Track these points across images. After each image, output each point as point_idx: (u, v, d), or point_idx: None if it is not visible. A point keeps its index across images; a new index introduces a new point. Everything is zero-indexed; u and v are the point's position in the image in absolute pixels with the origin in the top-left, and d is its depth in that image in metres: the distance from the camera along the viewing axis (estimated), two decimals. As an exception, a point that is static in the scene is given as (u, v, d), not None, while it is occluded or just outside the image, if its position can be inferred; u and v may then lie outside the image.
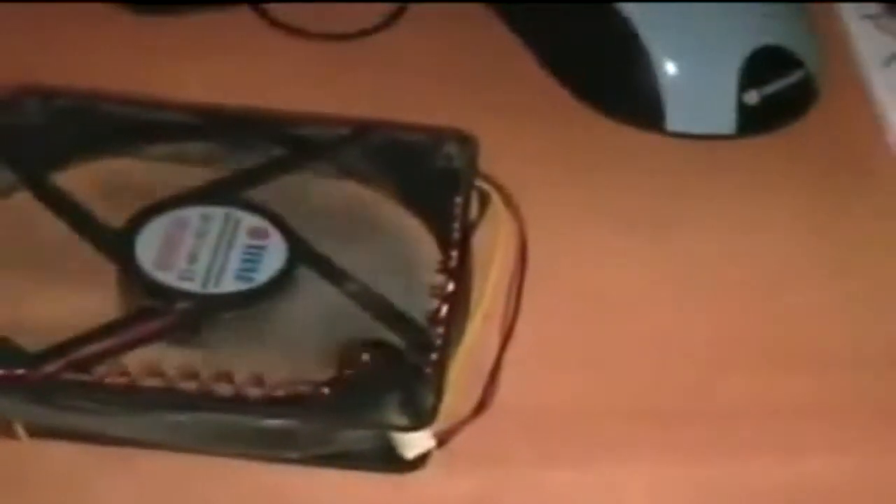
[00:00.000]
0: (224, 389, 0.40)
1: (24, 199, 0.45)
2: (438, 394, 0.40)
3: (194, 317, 0.42)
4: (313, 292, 0.43)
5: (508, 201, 0.47)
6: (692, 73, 0.52)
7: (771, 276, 0.49)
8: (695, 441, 0.44)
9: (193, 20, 0.55)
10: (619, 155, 0.52)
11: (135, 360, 0.41)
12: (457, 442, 0.42)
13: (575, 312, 0.47)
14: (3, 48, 0.53)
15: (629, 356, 0.46)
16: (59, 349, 0.40)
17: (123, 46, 0.54)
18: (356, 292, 0.43)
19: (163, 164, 0.47)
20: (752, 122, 0.52)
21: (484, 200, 0.47)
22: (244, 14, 0.56)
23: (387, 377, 0.41)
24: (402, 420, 0.40)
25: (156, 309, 0.42)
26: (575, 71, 0.54)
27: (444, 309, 0.42)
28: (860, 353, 0.46)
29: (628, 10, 0.52)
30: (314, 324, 0.43)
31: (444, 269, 0.44)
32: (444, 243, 0.45)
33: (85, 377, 0.40)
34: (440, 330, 0.42)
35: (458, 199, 0.46)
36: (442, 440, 0.41)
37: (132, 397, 0.40)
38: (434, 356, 0.41)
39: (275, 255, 0.44)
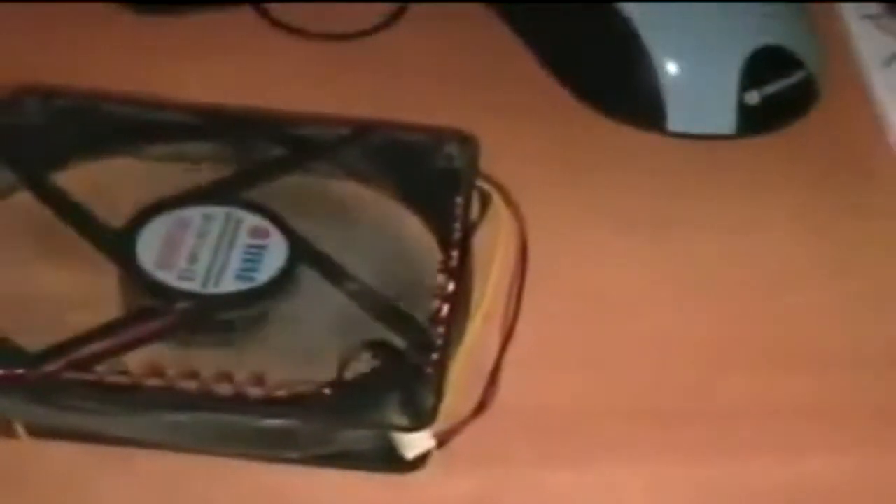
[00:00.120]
0: (224, 389, 0.40)
1: (24, 199, 0.45)
2: (439, 394, 0.40)
3: (194, 317, 0.42)
4: (314, 292, 0.43)
5: (509, 201, 0.47)
6: (693, 73, 0.52)
7: (771, 276, 0.49)
8: (695, 441, 0.44)
9: (194, 20, 0.55)
10: (620, 155, 0.52)
11: (135, 360, 0.41)
12: (457, 442, 0.42)
13: (575, 312, 0.47)
14: (3, 48, 0.53)
15: (629, 356, 0.46)
16: (59, 349, 0.40)
17: (124, 46, 0.54)
18: (357, 292, 0.43)
19: (163, 164, 0.47)
20: (753, 122, 0.52)
21: (484, 200, 0.47)
22: (244, 14, 0.56)
23: (387, 377, 0.41)
24: (403, 420, 0.40)
25: (156, 309, 0.42)
26: (575, 71, 0.54)
27: (445, 309, 0.42)
28: (860, 353, 0.46)
29: (629, 10, 0.52)
30: (314, 324, 0.43)
31: (445, 269, 0.44)
32: (445, 243, 0.45)
33: (85, 377, 0.40)
34: (441, 330, 0.42)
35: (459, 200, 0.46)
36: (442, 440, 0.41)
37: (132, 397, 0.40)
38: (434, 356, 0.41)
39: (275, 254, 0.44)
